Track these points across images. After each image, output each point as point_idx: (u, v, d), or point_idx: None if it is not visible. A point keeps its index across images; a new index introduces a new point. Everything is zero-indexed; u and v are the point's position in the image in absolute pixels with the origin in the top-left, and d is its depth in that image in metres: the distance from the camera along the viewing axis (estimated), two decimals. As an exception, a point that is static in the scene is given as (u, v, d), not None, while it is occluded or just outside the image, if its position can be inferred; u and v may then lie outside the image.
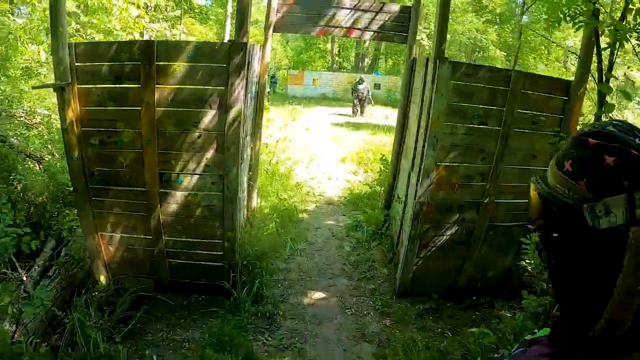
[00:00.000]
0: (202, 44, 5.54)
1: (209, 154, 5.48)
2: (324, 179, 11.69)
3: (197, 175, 5.58)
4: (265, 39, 7.54)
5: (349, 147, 15.06)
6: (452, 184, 6.16)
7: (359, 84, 22.98)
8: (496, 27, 32.94)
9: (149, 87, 5.13)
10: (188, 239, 5.97)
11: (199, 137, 5.41)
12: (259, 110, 7.73)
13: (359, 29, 7.59)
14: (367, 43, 34.98)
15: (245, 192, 7.56)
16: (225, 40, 14.29)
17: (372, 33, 7.73)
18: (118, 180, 5.58)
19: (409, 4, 8.30)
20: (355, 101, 23.06)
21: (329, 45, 44.60)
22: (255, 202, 8.21)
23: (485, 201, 6.26)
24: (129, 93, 5.27)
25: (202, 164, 5.52)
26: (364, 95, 23.05)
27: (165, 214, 5.75)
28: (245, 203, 7.70)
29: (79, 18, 10.83)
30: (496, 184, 6.23)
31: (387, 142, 15.28)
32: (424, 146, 5.96)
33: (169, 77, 5.21)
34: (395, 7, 7.95)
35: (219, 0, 34.12)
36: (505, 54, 32.53)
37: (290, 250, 7.69)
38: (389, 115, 22.66)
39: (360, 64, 35.80)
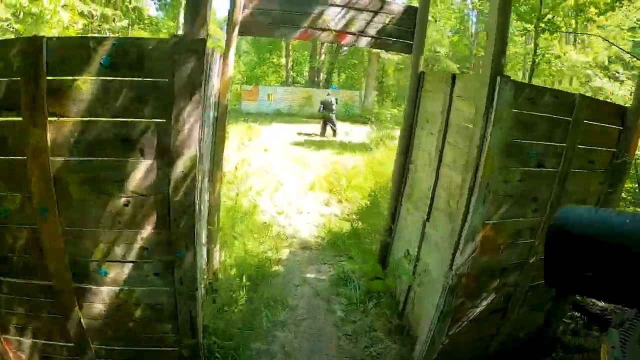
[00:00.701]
0: (126, 40, 3.16)
1: (146, 231, 3.33)
2: (293, 212, 9.65)
3: (131, 264, 3.41)
4: (228, 45, 5.35)
5: (314, 170, 13.10)
6: (498, 245, 4.44)
7: (326, 96, 20.95)
8: (449, 37, 32.25)
9: (37, 121, 2.92)
10: (128, 348, 3.85)
11: (126, 204, 3.23)
12: (218, 144, 5.59)
13: (352, 33, 5.63)
14: (322, 57, 33.31)
15: (205, 251, 5.54)
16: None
17: (369, 39, 5.78)
18: (11, 270, 3.41)
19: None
20: (327, 119, 20.64)
21: (283, 60, 43.04)
22: (218, 258, 6.14)
23: (532, 260, 4.71)
24: (5, 132, 3.06)
25: (136, 246, 3.36)
26: (334, 111, 20.70)
27: (88, 317, 3.60)
28: (206, 263, 5.67)
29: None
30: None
31: (356, 163, 13.52)
32: (469, 200, 4.13)
33: (70, 102, 3.00)
34: (398, 7, 6.02)
35: (172, 13, 32.24)
36: (459, 65, 31.77)
37: (268, 323, 5.64)
38: (350, 132, 20.95)
39: (316, 78, 34.07)
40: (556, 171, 4.49)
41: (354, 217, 9.36)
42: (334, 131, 20.58)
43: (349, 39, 5.73)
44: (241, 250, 7.08)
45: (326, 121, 20.66)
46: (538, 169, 4.41)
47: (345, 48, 36.68)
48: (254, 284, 6.26)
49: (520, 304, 4.96)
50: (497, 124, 3.85)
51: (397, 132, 18.41)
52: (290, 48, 39.83)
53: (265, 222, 8.65)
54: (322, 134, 20.55)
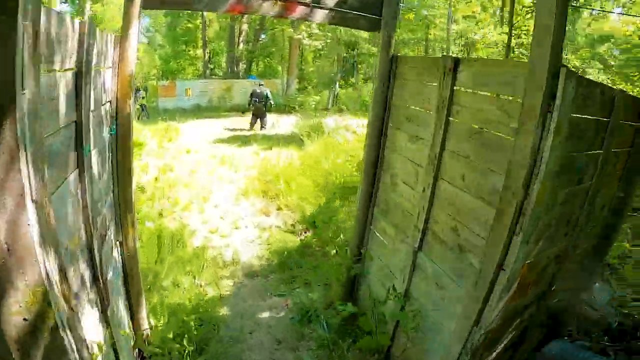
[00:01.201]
0: None
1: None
2: (229, 228, 8.10)
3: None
4: (127, 23, 3.62)
5: (245, 170, 11.59)
6: (528, 284, 3.37)
7: (257, 88, 19.17)
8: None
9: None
10: None
11: None
12: (123, 175, 3.99)
13: (304, 3, 4.20)
14: (241, 45, 31.39)
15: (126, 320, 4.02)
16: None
17: (326, 12, 4.38)
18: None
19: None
20: (258, 112, 18.85)
21: (199, 52, 40.71)
22: (146, 324, 4.62)
23: (553, 288, 3.90)
24: None
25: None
26: (263, 102, 18.87)
27: None
28: (132, 334, 4.17)
29: None
30: (568, 264, 3.90)
31: (290, 158, 12.20)
32: (509, 238, 2.95)
33: None
34: (361, -28, 4.58)
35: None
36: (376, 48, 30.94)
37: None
38: (276, 123, 19.55)
39: (235, 69, 32.13)
40: (590, 184, 3.53)
41: (300, 227, 8.04)
42: (263, 126, 19.01)
43: (299, 11, 4.31)
44: (175, 297, 5.54)
45: (257, 114, 18.97)
46: (578, 186, 3.38)
47: (264, 36, 35.00)
48: (201, 342, 4.77)
49: (535, 333, 4.11)
50: (557, 135, 2.69)
51: (329, 121, 17.26)
52: (206, 38, 37.64)
53: (198, 247, 7.12)
54: (252, 127, 18.87)
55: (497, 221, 3.02)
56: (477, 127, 3.47)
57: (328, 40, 27.58)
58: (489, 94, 3.43)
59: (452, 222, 3.74)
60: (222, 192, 9.85)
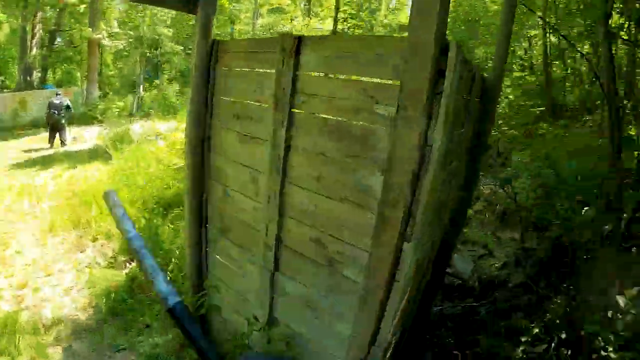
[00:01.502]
0: None
1: None
2: (40, 277, 6.42)
3: None
4: None
5: (49, 200, 9.71)
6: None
7: (55, 98, 16.38)
8: None
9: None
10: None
11: None
12: None
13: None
14: (34, 50, 27.37)
15: None
16: None
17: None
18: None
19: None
20: (56, 125, 16.15)
21: (-15, 62, 35.15)
22: None
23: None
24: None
25: None
26: (62, 114, 16.19)
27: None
28: None
29: None
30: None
31: (99, 177, 10.64)
32: (399, 242, 2.57)
33: None
34: None
35: None
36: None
37: None
38: (78, 136, 17.41)
39: (28, 78, 27.98)
40: (454, 166, 3.29)
41: (122, 258, 6.75)
42: (63, 141, 16.52)
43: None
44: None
45: (56, 128, 16.33)
46: (449, 170, 3.02)
47: (59, 40, 31.10)
48: None
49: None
50: (446, 121, 2.25)
51: (136, 128, 15.58)
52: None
53: (8, 313, 5.49)
54: (51, 143, 16.25)
55: (382, 228, 2.46)
56: (332, 117, 2.82)
57: (130, 40, 25.25)
58: (345, 78, 2.84)
59: (314, 232, 3.07)
60: (26, 232, 8.01)
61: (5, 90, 29.79)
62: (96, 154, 13.20)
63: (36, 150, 15.97)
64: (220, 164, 3.97)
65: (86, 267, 6.61)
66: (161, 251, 6.08)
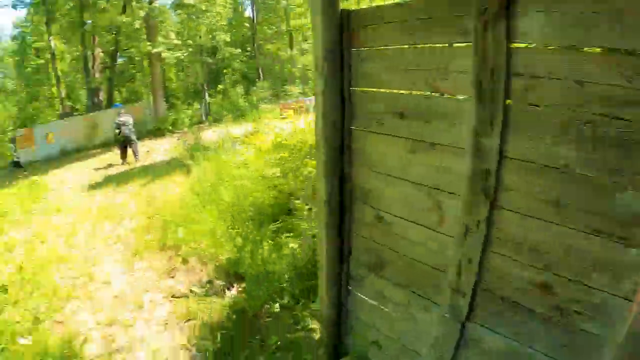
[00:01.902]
0: None
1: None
2: (131, 311, 5.71)
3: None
4: None
5: (131, 220, 9.20)
6: None
7: (120, 116, 16.09)
8: None
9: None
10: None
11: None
12: None
13: None
14: (97, 74, 27.82)
15: None
16: None
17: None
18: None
19: None
20: (126, 141, 15.97)
21: (54, 90, 36.19)
22: None
23: None
24: None
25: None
26: (130, 130, 15.98)
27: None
28: None
29: None
30: None
31: (179, 191, 10.07)
32: None
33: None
34: None
35: None
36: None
37: None
38: (151, 150, 17.10)
39: (96, 100, 28.48)
40: None
41: (220, 283, 5.87)
42: (136, 156, 16.29)
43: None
44: None
45: (126, 143, 16.17)
46: None
47: (120, 60, 31.52)
48: None
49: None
50: None
51: (211, 135, 15.03)
52: (59, 73, 33.34)
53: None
54: (124, 160, 16.14)
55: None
56: (578, 112, 1.78)
57: (190, 49, 25.00)
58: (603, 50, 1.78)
59: (537, 274, 2.05)
60: (110, 259, 7.44)
61: (75, 114, 30.49)
62: (173, 167, 12.69)
63: (111, 166, 15.89)
64: (368, 180, 2.97)
65: (180, 296, 5.83)
66: (267, 276, 5.20)
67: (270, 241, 5.90)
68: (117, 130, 15.91)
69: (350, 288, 3.29)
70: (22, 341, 5.15)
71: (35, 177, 15.10)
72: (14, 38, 42.20)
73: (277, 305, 4.85)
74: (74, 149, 22.40)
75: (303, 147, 6.31)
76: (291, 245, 5.52)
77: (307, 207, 5.92)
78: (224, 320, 4.97)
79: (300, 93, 25.88)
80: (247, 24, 35.48)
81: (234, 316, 4.97)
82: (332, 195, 3.02)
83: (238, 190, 7.56)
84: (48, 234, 9.01)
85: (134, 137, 16.18)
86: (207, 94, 27.90)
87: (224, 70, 35.94)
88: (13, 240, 8.83)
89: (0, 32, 53.26)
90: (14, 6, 29.87)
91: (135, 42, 27.38)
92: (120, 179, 13.00)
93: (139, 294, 6.10)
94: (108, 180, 13.27)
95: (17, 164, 19.76)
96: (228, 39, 29.58)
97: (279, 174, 6.34)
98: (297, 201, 6.03)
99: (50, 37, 30.58)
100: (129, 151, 16.15)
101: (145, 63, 29.49)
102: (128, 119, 16.08)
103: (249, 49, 35.21)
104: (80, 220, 9.71)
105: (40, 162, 21.47)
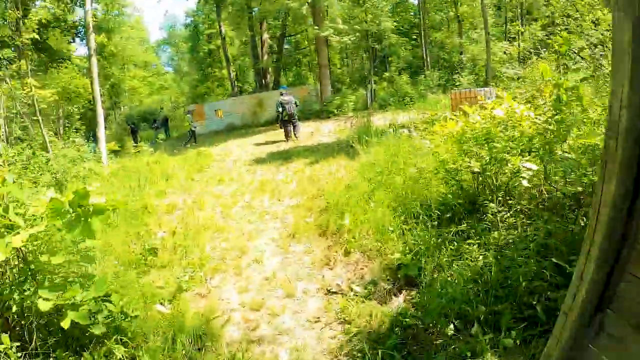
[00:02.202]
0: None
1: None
2: (279, 298, 5.05)
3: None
4: None
5: (291, 198, 8.66)
6: None
7: (284, 96, 16.33)
8: None
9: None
10: None
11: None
12: None
13: None
14: (265, 57, 28.65)
15: None
16: None
17: None
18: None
19: None
20: (289, 119, 16.17)
21: (225, 71, 38.45)
22: None
23: None
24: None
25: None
26: (293, 110, 16.15)
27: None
28: None
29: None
30: None
31: (344, 173, 9.31)
32: None
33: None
34: None
35: None
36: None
37: None
38: (315, 131, 16.65)
39: (264, 82, 29.36)
40: None
41: (385, 286, 4.80)
42: (296, 134, 16.32)
43: None
44: None
45: (287, 122, 16.29)
46: None
47: (287, 46, 32.22)
48: None
49: None
50: None
51: (378, 121, 14.24)
52: (229, 56, 35.20)
53: (234, 346, 4.15)
54: (288, 137, 16.23)
55: None
56: None
57: (357, 34, 24.43)
58: None
59: None
60: (265, 235, 6.91)
61: (243, 94, 31.96)
62: (338, 149, 12.08)
63: (274, 143, 15.87)
64: None
65: (337, 292, 4.98)
66: (447, 286, 4.11)
67: (450, 247, 4.78)
68: (279, 109, 16.07)
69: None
70: (159, 308, 4.74)
71: (202, 148, 15.60)
72: (186, 26, 45.87)
73: (451, 327, 3.75)
74: (240, 125, 23.29)
75: (519, 139, 5.05)
76: (478, 256, 4.36)
77: (499, 212, 4.75)
78: (386, 334, 3.99)
79: (469, 84, 24.09)
80: (412, 11, 34.11)
81: (399, 331, 3.97)
82: (622, 202, 1.85)
83: (414, 180, 6.53)
84: (206, 202, 8.88)
85: (296, 116, 16.22)
86: (372, 81, 27.18)
87: (389, 58, 35.11)
88: (173, 204, 8.82)
89: (175, 20, 58.02)
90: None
91: (302, 27, 27.71)
92: (283, 156, 12.78)
93: (291, 280, 5.40)
94: (271, 157, 13.11)
95: (193, 133, 20.84)
96: (392, 26, 28.56)
97: (477, 168, 5.12)
98: (491, 204, 4.83)
99: (221, 24, 32.24)
100: (291, 129, 16.15)
101: (312, 47, 29.65)
102: (291, 98, 16.15)
103: (414, 36, 33.89)
104: (240, 192, 9.47)
105: (208, 135, 22.48)
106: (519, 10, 28.90)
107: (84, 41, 27.98)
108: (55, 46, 22.80)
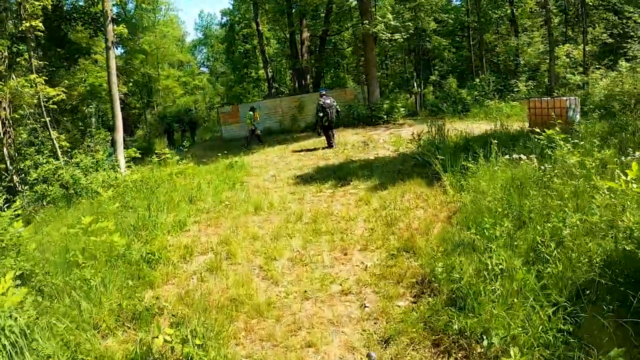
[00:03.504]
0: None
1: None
2: None
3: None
4: None
5: (363, 247, 5.74)
6: None
7: (324, 98, 13.59)
8: None
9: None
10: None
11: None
12: None
13: None
14: (305, 56, 25.62)
15: None
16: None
17: None
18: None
19: None
20: (329, 125, 13.58)
21: (261, 72, 35.83)
22: None
23: None
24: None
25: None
26: (334, 114, 13.49)
27: None
28: None
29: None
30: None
31: (425, 205, 6.50)
32: None
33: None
34: None
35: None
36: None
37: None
38: (368, 141, 13.63)
39: (303, 83, 26.30)
40: None
41: None
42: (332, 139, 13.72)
43: None
44: None
45: (329, 128, 13.67)
46: None
47: (326, 47, 29.17)
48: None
49: None
50: None
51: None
52: (267, 56, 32.48)
53: None
54: (331, 144, 13.58)
55: None
56: None
57: (411, 31, 21.14)
58: None
59: None
60: (335, 335, 3.94)
61: (281, 95, 28.99)
62: (406, 169, 9.11)
63: (319, 153, 12.91)
64: None
65: None
66: None
67: None
68: (320, 114, 13.40)
69: None
70: None
71: (235, 158, 12.64)
72: (222, 25, 43.56)
73: None
74: (278, 129, 20.34)
75: None
76: None
77: None
78: None
79: (529, 91, 20.81)
80: (457, 12, 30.48)
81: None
82: None
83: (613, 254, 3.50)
84: (239, 247, 5.99)
85: (333, 119, 13.61)
86: (420, 84, 23.92)
87: (433, 62, 31.79)
88: (192, 246, 6.12)
89: (211, 20, 55.65)
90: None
91: (347, 23, 24.68)
92: (335, 174, 9.78)
93: None
94: (320, 173, 10.15)
95: (252, 133, 17.61)
96: (435, 26, 25.43)
97: None
98: None
99: (258, 22, 29.70)
100: (333, 136, 13.73)
101: (351, 49, 26.62)
102: (332, 102, 13.54)
103: (457, 38, 30.30)
104: (286, 232, 6.55)
105: (243, 140, 19.83)
106: (580, 9, 25.32)
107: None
108: (78, 40, 20.28)
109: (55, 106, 12.84)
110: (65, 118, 17.34)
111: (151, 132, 32.62)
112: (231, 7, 40.50)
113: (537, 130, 6.55)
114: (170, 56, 41.60)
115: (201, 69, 55.00)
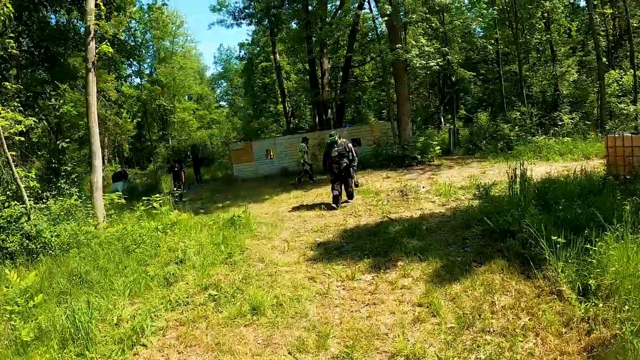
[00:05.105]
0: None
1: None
2: None
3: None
4: None
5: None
6: None
7: (333, 140, 10.20)
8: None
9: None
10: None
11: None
12: None
13: None
14: (325, 88, 22.92)
15: None
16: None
17: None
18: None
19: None
20: (337, 175, 10.07)
21: (280, 106, 33.40)
22: None
23: None
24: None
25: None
26: (344, 160, 10.02)
27: None
28: None
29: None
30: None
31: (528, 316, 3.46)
32: None
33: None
34: None
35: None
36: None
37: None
38: (407, 189, 10.59)
39: (324, 117, 23.50)
40: None
41: None
42: (347, 191, 10.36)
43: None
44: None
45: (338, 179, 10.10)
46: None
47: (349, 79, 26.49)
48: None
49: None
50: None
51: (492, 174, 7.64)
52: (285, 90, 30.05)
53: None
54: (337, 204, 10.03)
55: None
56: None
57: (448, 56, 18.29)
58: None
59: None
60: None
61: (300, 132, 26.14)
62: (473, 240, 6.02)
63: (349, 209, 9.66)
64: None
65: None
66: None
67: None
68: (329, 154, 10.19)
69: None
70: None
71: (239, 210, 9.59)
72: (241, 59, 41.95)
73: None
74: (296, 169, 17.27)
75: None
76: None
77: None
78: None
79: (575, 124, 17.97)
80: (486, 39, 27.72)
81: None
82: None
83: None
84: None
85: (350, 170, 10.19)
86: (453, 119, 21.15)
87: (460, 94, 29.01)
88: None
89: (230, 54, 54.05)
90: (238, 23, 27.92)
91: (373, 49, 21.98)
92: (372, 246, 6.74)
93: None
94: (348, 241, 7.20)
95: (307, 171, 15.00)
96: (462, 58, 22.75)
97: None
98: None
99: (276, 55, 27.46)
100: (340, 192, 10.21)
101: (384, 74, 23.84)
102: (345, 143, 10.20)
103: (482, 70, 27.27)
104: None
105: (256, 181, 17.03)
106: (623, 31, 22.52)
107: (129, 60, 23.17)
108: (71, 62, 17.84)
109: (22, 138, 10.17)
110: (40, 152, 14.72)
111: (162, 167, 30.01)
112: (250, 40, 38.67)
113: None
114: (187, 88, 39.61)
115: (221, 103, 53.21)
